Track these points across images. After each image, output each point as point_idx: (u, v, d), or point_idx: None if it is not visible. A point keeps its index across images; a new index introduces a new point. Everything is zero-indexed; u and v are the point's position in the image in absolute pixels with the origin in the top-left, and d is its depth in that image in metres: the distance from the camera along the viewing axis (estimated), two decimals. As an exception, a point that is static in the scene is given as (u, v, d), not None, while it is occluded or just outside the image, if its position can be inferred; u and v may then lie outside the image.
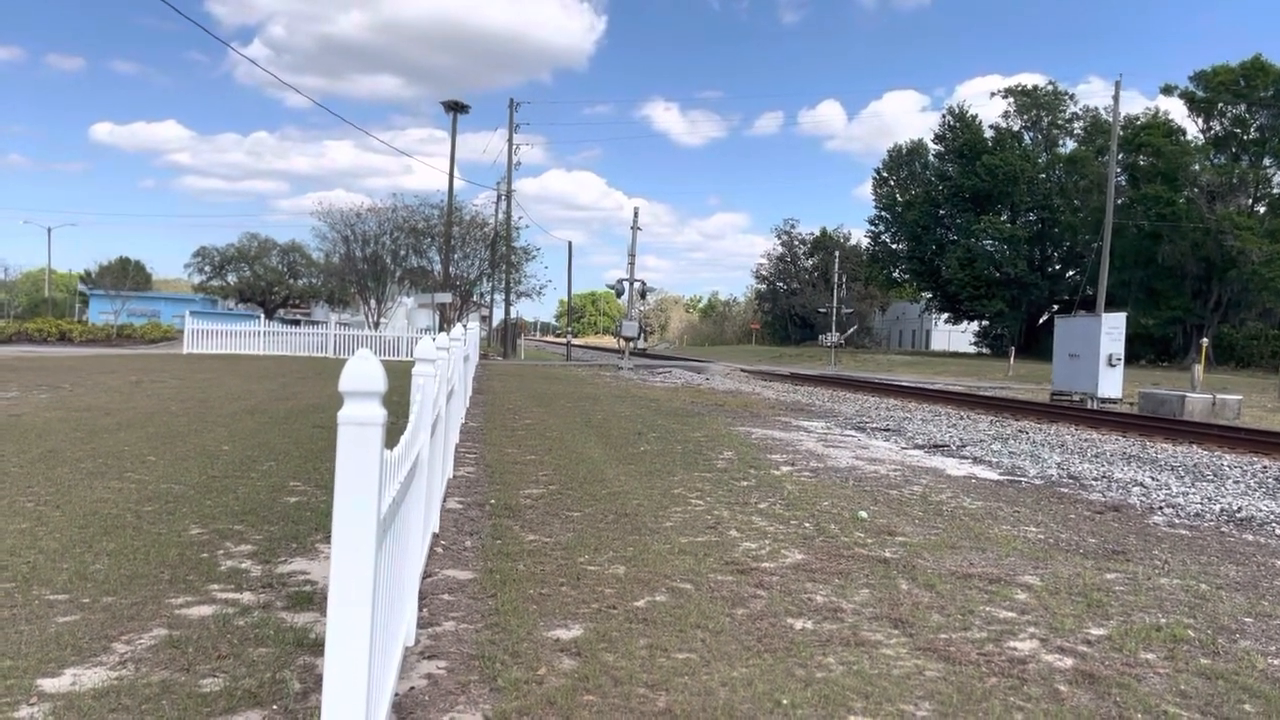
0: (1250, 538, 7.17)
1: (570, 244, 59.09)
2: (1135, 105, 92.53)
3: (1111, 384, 21.42)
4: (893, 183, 73.39)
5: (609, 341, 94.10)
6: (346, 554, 2.35)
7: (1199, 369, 23.02)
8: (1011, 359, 44.26)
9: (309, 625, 4.17)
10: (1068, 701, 3.64)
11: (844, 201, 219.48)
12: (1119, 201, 44.97)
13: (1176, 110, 52.32)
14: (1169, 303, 48.98)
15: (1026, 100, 65.25)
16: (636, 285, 38.38)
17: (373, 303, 46.83)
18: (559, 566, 5.40)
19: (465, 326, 14.85)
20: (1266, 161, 50.27)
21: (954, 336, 76.62)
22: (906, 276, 75.26)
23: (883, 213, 73.41)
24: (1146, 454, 12.58)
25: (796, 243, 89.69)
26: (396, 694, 3.45)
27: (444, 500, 7.10)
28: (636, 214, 38.45)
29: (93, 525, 5.92)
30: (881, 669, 3.91)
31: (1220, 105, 50.05)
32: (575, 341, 61.15)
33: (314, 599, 4.57)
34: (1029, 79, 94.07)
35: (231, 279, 65.04)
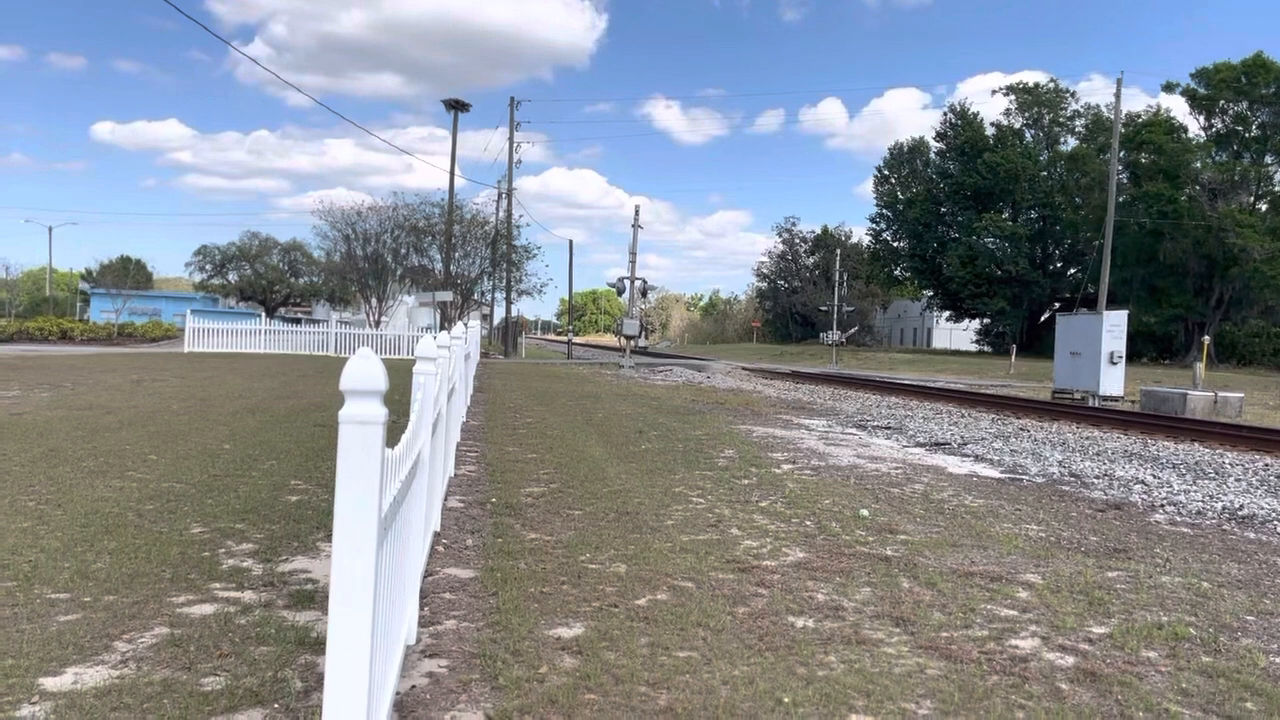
0: (1252, 536, 7.17)
1: (571, 242, 59.04)
2: (1137, 103, 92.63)
3: (1113, 382, 21.41)
4: (894, 180, 73.36)
5: (610, 340, 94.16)
6: (348, 552, 2.35)
7: (1201, 367, 23.00)
8: (1013, 357, 44.25)
9: (310, 624, 4.17)
10: (1069, 700, 3.64)
11: (845, 199, 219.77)
12: (1120, 199, 44.92)
13: (1178, 108, 52.32)
14: (1170, 300, 48.93)
15: (1028, 98, 65.22)
16: (638, 283, 38.35)
17: (374, 301, 46.83)
18: (560, 565, 5.40)
19: (466, 325, 14.85)
20: (1268, 159, 50.19)
21: (955, 334, 76.60)
22: (908, 274, 75.25)
23: (884, 210, 73.41)
24: (1148, 452, 12.57)
25: (798, 241, 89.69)
26: (398, 692, 3.45)
27: (445, 498, 7.10)
28: (637, 212, 38.41)
29: (94, 524, 5.92)
30: (883, 667, 3.91)
31: (1222, 103, 49.97)
32: (576, 340, 61.20)
33: (315, 597, 4.57)
34: (1030, 76, 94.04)
35: (233, 277, 65.06)
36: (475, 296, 49.20)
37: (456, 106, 43.27)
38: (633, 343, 37.03)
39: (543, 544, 5.92)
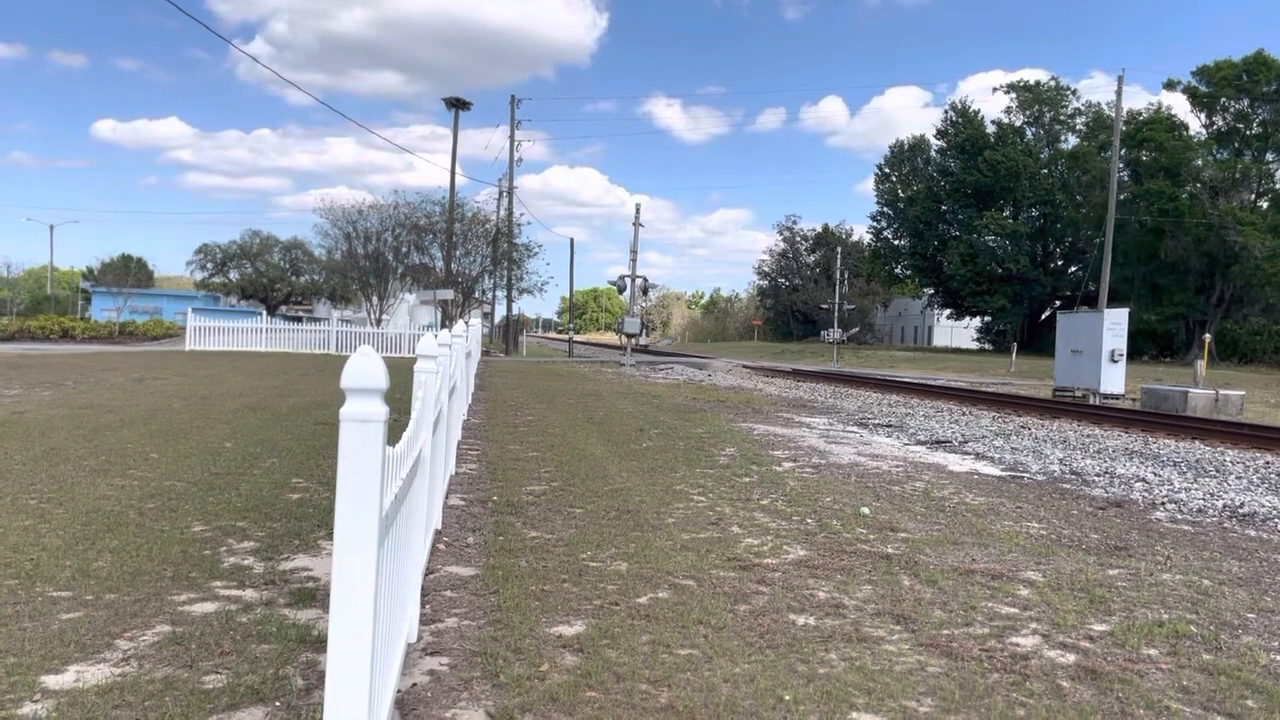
0: (1253, 533, 7.17)
1: (572, 240, 59.12)
2: (1138, 100, 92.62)
3: (1114, 380, 21.41)
4: (895, 178, 73.32)
5: (611, 338, 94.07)
6: (349, 551, 2.35)
7: (1202, 364, 22.98)
8: (1014, 355, 44.23)
9: (312, 622, 4.17)
10: (1070, 697, 3.64)
11: (846, 197, 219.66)
12: (1121, 197, 44.87)
13: (1179, 105, 52.24)
14: (1171, 298, 48.89)
15: (1029, 96, 65.15)
16: (639, 282, 38.34)
17: (375, 300, 46.84)
18: (561, 563, 5.40)
19: (467, 323, 14.85)
20: (1269, 157, 50.13)
21: (956, 332, 76.55)
22: (908, 272, 75.22)
23: (885, 208, 73.37)
24: (1149, 450, 12.57)
25: (799, 239, 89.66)
26: (399, 690, 3.45)
27: (446, 497, 7.10)
28: (638, 210, 38.40)
29: (95, 522, 5.93)
30: (884, 665, 3.91)
31: (1223, 100, 49.88)
32: (577, 338, 61.21)
33: (316, 596, 4.57)
34: (1031, 74, 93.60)
35: (234, 276, 64.97)
36: (476, 295, 49.20)
37: (457, 105, 43.26)
38: (634, 341, 37.03)
39: (544, 542, 5.92)
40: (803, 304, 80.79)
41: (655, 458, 9.90)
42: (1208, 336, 33.66)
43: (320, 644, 3.79)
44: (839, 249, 65.49)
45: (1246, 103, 49.30)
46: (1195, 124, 52.12)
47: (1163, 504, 8.33)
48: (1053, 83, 65.67)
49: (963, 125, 66.73)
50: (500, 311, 51.37)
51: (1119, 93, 39.47)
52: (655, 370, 31.36)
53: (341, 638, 2.35)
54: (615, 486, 8.03)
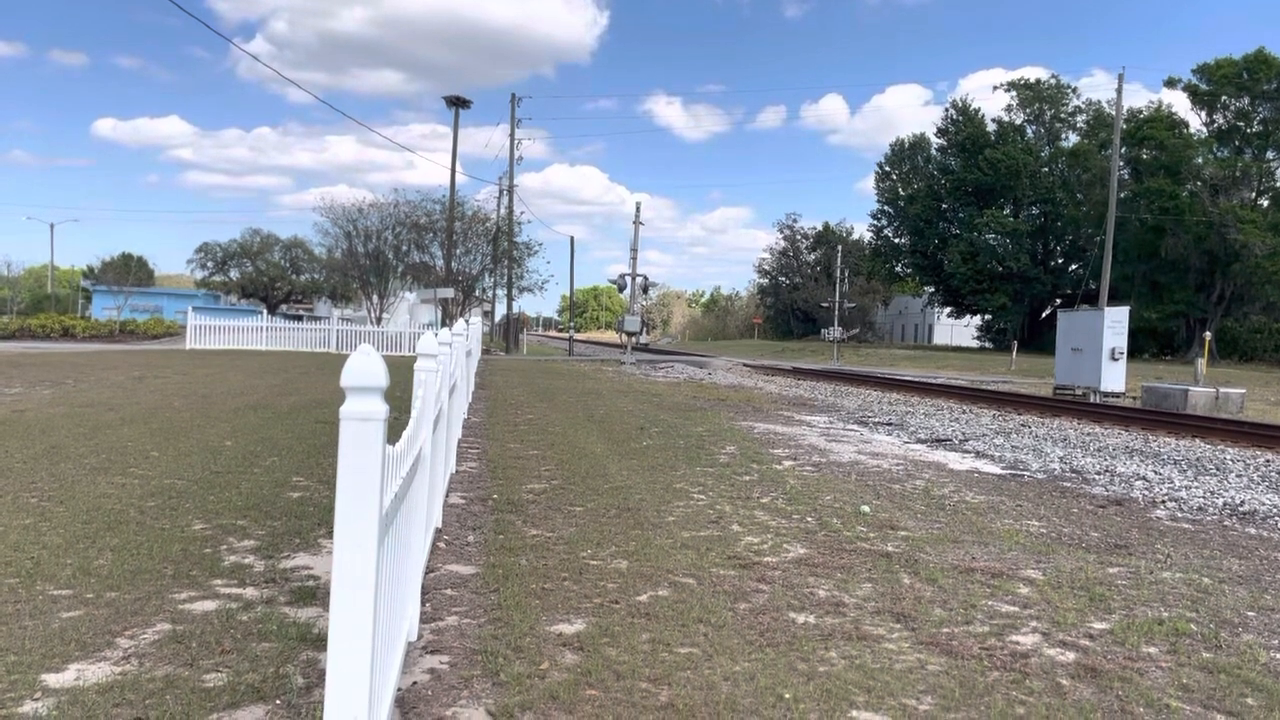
0: (1253, 531, 7.17)
1: (572, 239, 59.15)
2: (1138, 98, 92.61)
3: (1114, 378, 21.40)
4: (895, 177, 73.30)
5: (611, 336, 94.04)
6: (349, 549, 2.35)
7: (1202, 363, 22.96)
8: (1014, 353, 44.23)
9: (312, 620, 4.18)
10: (1070, 695, 3.64)
11: (846, 196, 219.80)
12: (1122, 195, 44.85)
13: (1179, 103, 52.20)
14: (1172, 296, 48.87)
15: (1029, 94, 65.10)
16: (639, 280, 38.33)
17: (375, 298, 46.85)
18: (561, 561, 5.40)
19: (467, 322, 14.85)
20: (1270, 155, 50.09)
21: (956, 331, 76.54)
22: (909, 271, 75.18)
23: (885, 207, 73.35)
24: (1149, 448, 12.57)
25: (799, 237, 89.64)
26: (399, 688, 3.45)
27: (446, 495, 7.10)
28: (639, 209, 38.39)
29: (96, 521, 5.93)
30: (884, 663, 3.91)
31: (1223, 98, 49.83)
32: (577, 336, 61.20)
33: (317, 594, 4.57)
34: (1032, 72, 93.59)
35: (234, 274, 64.99)
36: (476, 293, 49.21)
37: (458, 103, 43.25)
38: (634, 339, 37.03)
39: (544, 540, 5.92)
40: (803, 302, 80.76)
41: (655, 456, 9.91)
42: (1208, 335, 33.65)
43: (320, 642, 3.79)
44: (839, 247, 65.49)
45: (1247, 101, 49.25)
46: (1196, 122, 52.14)
47: (1163, 502, 8.33)
48: (1053, 81, 65.70)
49: (963, 123, 66.70)
50: (500, 310, 51.35)
51: (1119, 91, 39.49)
52: (655, 369, 31.36)
53: (342, 636, 2.35)
54: (615, 485, 8.03)
